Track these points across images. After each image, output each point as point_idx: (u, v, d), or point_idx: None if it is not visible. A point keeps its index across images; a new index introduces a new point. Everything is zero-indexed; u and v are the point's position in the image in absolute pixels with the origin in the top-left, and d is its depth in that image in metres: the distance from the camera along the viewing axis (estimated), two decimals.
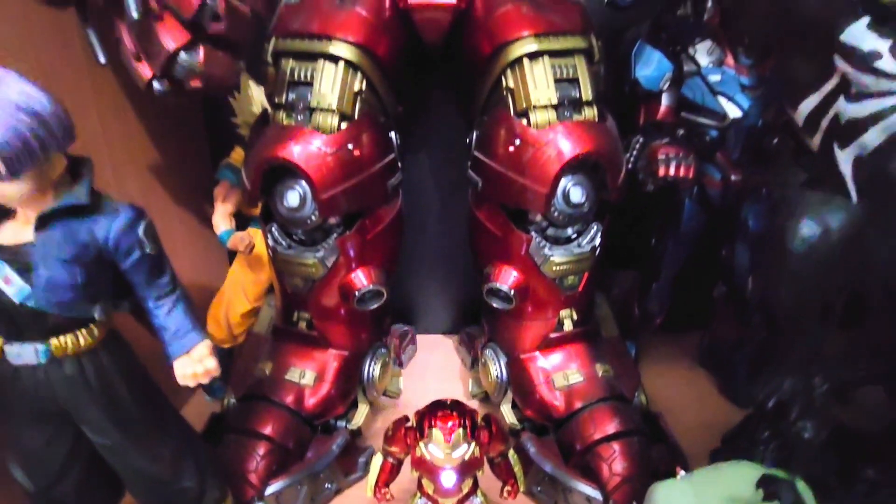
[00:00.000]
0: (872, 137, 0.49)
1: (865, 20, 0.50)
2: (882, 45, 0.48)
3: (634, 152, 0.87)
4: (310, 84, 0.75)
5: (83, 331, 0.49)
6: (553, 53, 0.75)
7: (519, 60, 0.75)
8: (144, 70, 0.57)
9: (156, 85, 0.58)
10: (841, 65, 0.50)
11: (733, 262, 0.98)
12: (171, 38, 0.54)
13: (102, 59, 0.56)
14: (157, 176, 0.98)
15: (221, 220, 0.95)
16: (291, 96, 0.76)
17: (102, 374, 0.49)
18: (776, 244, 0.48)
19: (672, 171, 0.80)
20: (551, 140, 0.73)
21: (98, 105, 0.81)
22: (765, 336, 0.86)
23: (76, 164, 0.49)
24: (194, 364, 0.51)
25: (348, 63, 0.75)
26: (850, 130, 0.50)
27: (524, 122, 0.76)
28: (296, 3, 0.77)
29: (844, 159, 0.51)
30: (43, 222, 0.46)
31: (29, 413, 0.50)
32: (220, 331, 1.05)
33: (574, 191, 0.77)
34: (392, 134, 0.85)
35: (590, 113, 0.77)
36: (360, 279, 0.84)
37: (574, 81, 0.76)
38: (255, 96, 0.93)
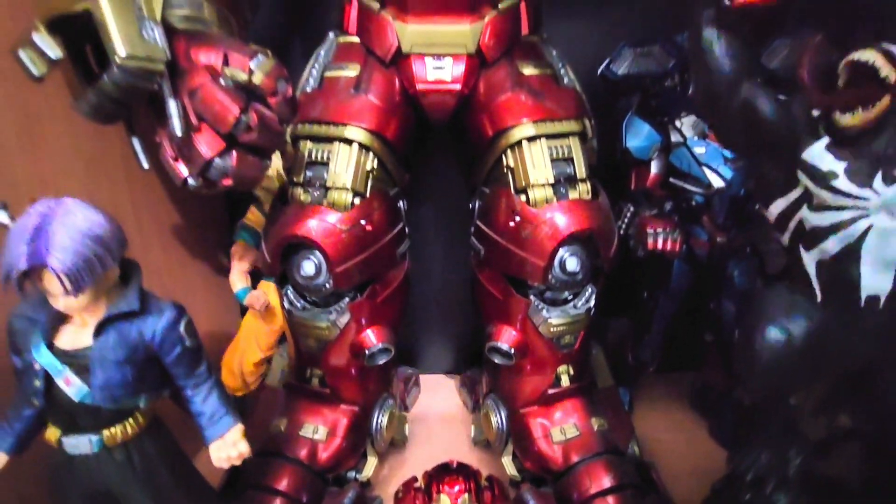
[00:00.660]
0: (832, 245, 0.55)
1: (825, 140, 0.56)
2: (838, 166, 0.55)
3: (625, 220, 0.94)
4: (326, 164, 0.82)
5: (130, 420, 0.55)
6: (549, 136, 0.82)
7: (518, 142, 0.82)
8: (181, 169, 0.63)
9: (190, 181, 0.64)
10: (803, 179, 0.56)
11: (720, 315, 1.04)
12: (207, 146, 0.60)
13: (146, 165, 0.62)
14: (178, 233, 1.04)
15: (238, 278, 1.01)
16: (309, 174, 0.82)
17: (147, 460, 0.55)
18: (745, 345, 0.54)
19: (660, 245, 0.87)
20: (549, 218, 0.80)
21: (127, 174, 0.88)
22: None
23: (125, 267, 0.55)
24: (228, 448, 0.56)
25: (361, 145, 0.81)
26: (812, 236, 0.57)
27: (523, 198, 0.82)
28: (313, 91, 0.84)
29: (809, 261, 0.57)
30: (99, 328, 0.52)
31: (80, 498, 0.55)
32: (233, 380, 1.11)
33: (570, 261, 0.83)
34: (400, 203, 0.91)
35: (584, 188, 0.83)
36: (371, 339, 0.89)
37: (569, 160, 0.83)
38: (272, 163, 0.99)
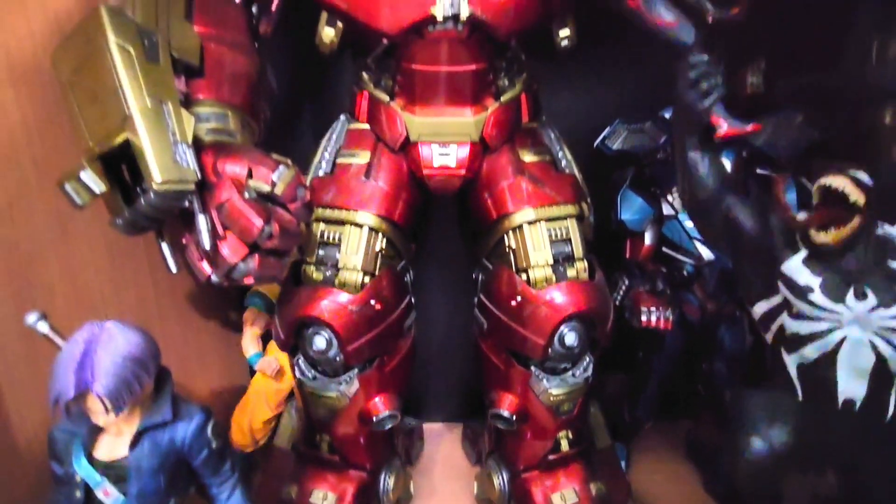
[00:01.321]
0: (811, 352, 0.60)
1: (802, 254, 0.62)
2: (814, 281, 0.60)
3: (621, 292, 0.99)
4: (337, 245, 0.86)
5: None
6: (549, 219, 0.87)
7: (520, 226, 0.87)
8: (206, 269, 0.68)
9: (213, 279, 0.68)
10: (783, 289, 0.61)
11: (713, 375, 1.09)
12: (231, 252, 0.65)
13: (174, 269, 0.67)
14: (194, 301, 1.09)
15: (250, 343, 1.05)
16: (321, 253, 0.87)
17: None
18: (730, 450, 0.58)
19: (653, 323, 0.92)
20: (549, 300, 0.85)
21: (149, 257, 0.93)
22: None
23: (157, 375, 0.59)
24: None
25: (371, 228, 0.86)
26: (793, 341, 0.61)
27: (524, 277, 0.87)
28: (326, 177, 0.89)
29: (790, 363, 0.62)
30: (135, 439, 0.56)
31: None
32: (243, 437, 1.14)
33: (568, 336, 0.87)
34: (407, 276, 0.96)
35: (581, 266, 0.88)
36: (379, 406, 0.93)
37: (567, 240, 0.88)
38: None
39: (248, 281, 0.69)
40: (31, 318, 0.61)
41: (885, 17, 1.00)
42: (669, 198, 1.02)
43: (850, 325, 0.58)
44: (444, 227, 1.15)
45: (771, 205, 0.63)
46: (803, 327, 0.60)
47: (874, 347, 0.57)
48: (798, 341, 0.61)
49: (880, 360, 0.57)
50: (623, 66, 1.10)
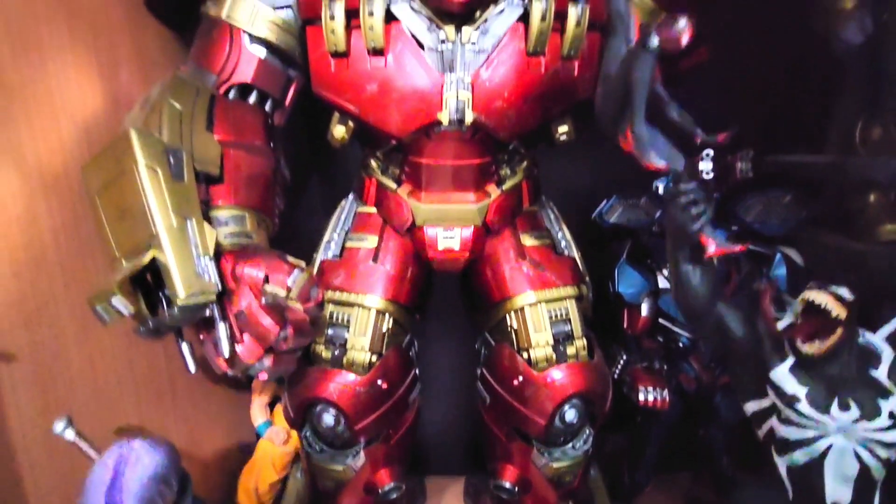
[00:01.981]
0: (799, 456, 0.63)
1: (790, 362, 0.65)
2: (801, 390, 0.63)
3: (619, 367, 1.02)
4: (346, 326, 0.90)
5: None
6: (549, 300, 0.91)
7: (521, 307, 0.91)
8: (223, 365, 0.71)
9: (229, 373, 0.72)
10: (771, 395, 0.65)
11: (710, 441, 1.12)
12: (248, 353, 0.68)
13: (193, 370, 0.70)
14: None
15: (258, 412, 1.08)
16: (330, 333, 0.90)
17: None
18: None
19: (650, 403, 0.95)
20: (550, 381, 0.88)
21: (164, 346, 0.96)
22: None
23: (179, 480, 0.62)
24: None
25: (378, 311, 0.90)
26: (782, 444, 0.65)
27: (525, 356, 0.91)
28: (335, 260, 0.93)
29: (781, 464, 0.65)
30: None
31: None
32: (249, 500, 1.16)
33: (569, 413, 0.90)
34: (412, 350, 0.99)
35: (580, 345, 0.92)
36: (384, 478, 0.96)
37: (567, 320, 0.92)
38: None
39: (263, 377, 0.72)
40: (59, 426, 0.64)
41: (866, 102, 1.06)
42: (665, 271, 1.06)
43: (835, 434, 0.61)
44: (448, 295, 1.19)
45: (758, 315, 0.66)
46: (792, 433, 0.63)
47: (858, 457, 0.60)
48: (788, 446, 0.64)
49: (864, 468, 0.60)
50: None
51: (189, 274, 0.62)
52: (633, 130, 0.58)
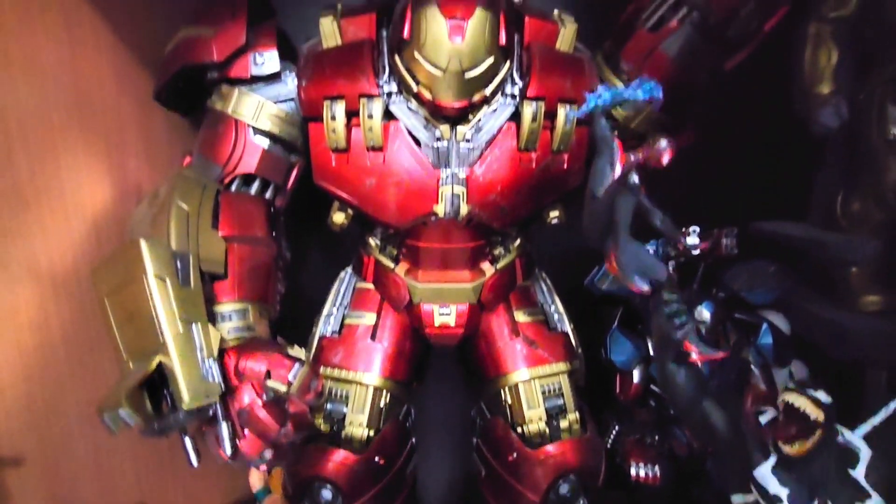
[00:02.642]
0: None
1: (772, 461, 0.67)
2: (782, 491, 0.65)
3: (611, 436, 1.05)
4: (344, 401, 0.92)
5: None
6: (542, 377, 0.94)
7: (515, 384, 0.93)
8: (225, 456, 0.73)
9: (230, 462, 0.74)
10: (755, 492, 0.67)
11: (702, 500, 1.13)
12: (249, 448, 0.71)
13: (195, 464, 0.72)
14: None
15: (257, 479, 1.09)
16: (329, 408, 0.93)
17: None
18: None
19: (642, 478, 0.97)
20: (543, 459, 0.90)
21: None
22: None
23: None
24: None
25: (376, 388, 0.92)
26: None
27: (520, 430, 0.93)
28: (334, 338, 0.95)
29: None
30: None
31: None
32: None
33: (562, 486, 0.92)
34: (409, 422, 1.01)
35: (573, 418, 0.94)
36: None
37: (560, 395, 0.94)
38: None
39: (263, 469, 0.74)
40: None
41: (846, 176, 1.10)
42: None
43: None
44: (446, 360, 1.21)
45: (742, 414, 0.69)
46: None
47: None
48: None
49: None
50: None
51: (194, 379, 0.65)
52: (617, 258, 0.61)
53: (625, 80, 0.85)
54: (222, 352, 0.71)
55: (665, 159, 0.62)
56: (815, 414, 0.64)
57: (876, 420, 0.68)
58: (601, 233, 0.63)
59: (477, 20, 0.70)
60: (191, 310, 0.67)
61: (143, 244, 0.66)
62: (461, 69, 0.71)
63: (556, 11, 0.85)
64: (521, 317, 0.96)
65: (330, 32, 0.80)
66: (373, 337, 0.94)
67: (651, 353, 1.10)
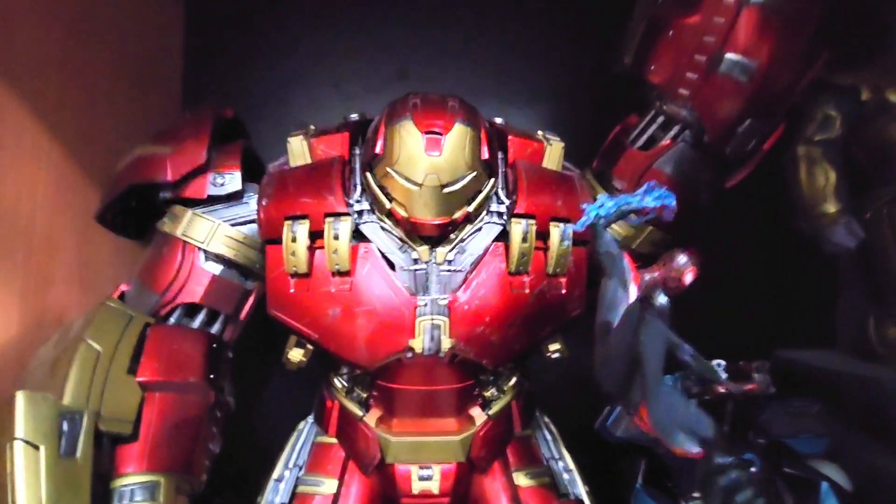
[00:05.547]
0: None
1: None
2: None
3: None
4: None
5: None
6: None
7: None
8: None
9: None
10: None
11: None
12: None
13: None
14: None
15: None
16: None
17: None
18: None
19: None
20: None
21: None
22: None
23: None
24: None
25: None
26: None
27: None
28: None
29: None
30: None
31: None
32: None
33: None
34: None
35: None
36: None
37: None
38: None
39: None
40: None
41: (872, 298, 1.00)
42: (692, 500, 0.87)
43: None
44: None
45: None
46: None
47: None
48: None
49: None
50: None
51: None
52: (650, 413, 0.46)
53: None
54: None
55: (688, 279, 0.50)
56: None
57: None
58: (622, 380, 0.48)
59: (455, 134, 0.63)
60: (65, 492, 0.48)
61: (20, 398, 0.50)
62: (439, 184, 0.63)
63: (539, 132, 0.80)
64: (522, 480, 0.76)
65: (299, 151, 0.73)
66: None
67: None
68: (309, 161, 0.73)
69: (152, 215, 0.78)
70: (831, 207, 0.96)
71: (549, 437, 0.84)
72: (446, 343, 0.67)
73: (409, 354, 0.69)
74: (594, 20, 1.16)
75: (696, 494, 0.89)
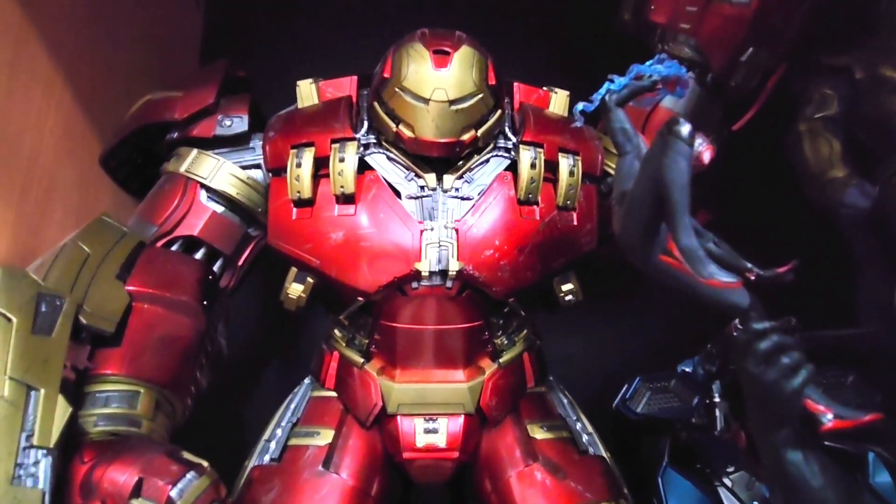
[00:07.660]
0: None
1: None
2: None
3: None
4: None
5: None
6: None
7: None
8: None
9: None
10: None
11: None
12: None
13: None
14: None
15: None
16: None
17: None
18: None
19: None
20: None
21: None
22: None
23: None
24: None
25: None
26: None
27: None
28: (272, 466, 0.66)
29: None
30: None
31: None
32: None
33: None
34: None
35: None
36: None
37: None
38: None
39: None
40: None
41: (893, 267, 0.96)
42: (727, 481, 0.78)
43: None
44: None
45: None
46: None
47: None
48: None
49: None
50: (637, 310, 1.00)
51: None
52: (679, 244, 0.42)
53: None
54: (75, 447, 0.45)
55: (707, 157, 0.49)
56: None
57: None
58: (643, 232, 0.44)
59: (463, 53, 0.64)
60: (34, 368, 0.44)
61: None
62: (447, 99, 0.63)
63: (544, 88, 0.82)
64: (537, 432, 0.69)
65: (307, 93, 0.74)
66: (325, 464, 0.65)
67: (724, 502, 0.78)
68: (317, 102, 0.74)
69: (156, 176, 0.77)
70: (839, 172, 0.95)
71: (564, 400, 0.77)
72: (454, 265, 0.64)
73: (415, 285, 0.65)
74: None
75: (730, 469, 0.81)
